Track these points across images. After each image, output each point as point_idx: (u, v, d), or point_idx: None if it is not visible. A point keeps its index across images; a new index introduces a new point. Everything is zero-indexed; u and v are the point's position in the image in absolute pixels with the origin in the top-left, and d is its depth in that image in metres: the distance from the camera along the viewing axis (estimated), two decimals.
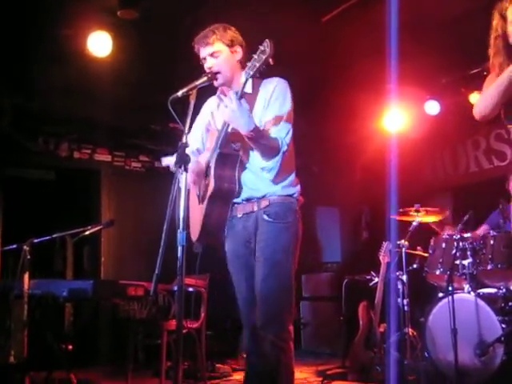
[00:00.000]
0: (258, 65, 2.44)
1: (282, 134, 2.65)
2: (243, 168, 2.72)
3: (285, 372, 2.61)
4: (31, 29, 4.62)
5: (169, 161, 2.74)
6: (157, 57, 5.14)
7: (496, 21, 2.39)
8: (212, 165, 2.67)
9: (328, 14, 4.71)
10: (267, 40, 2.42)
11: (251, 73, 2.48)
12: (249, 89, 2.78)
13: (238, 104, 2.49)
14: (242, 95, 2.56)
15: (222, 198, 2.68)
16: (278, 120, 2.67)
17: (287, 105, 2.72)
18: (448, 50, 5.08)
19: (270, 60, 2.41)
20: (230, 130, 2.64)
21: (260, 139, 2.56)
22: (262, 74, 2.65)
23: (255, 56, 2.46)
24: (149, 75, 5.39)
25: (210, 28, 2.77)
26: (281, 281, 2.63)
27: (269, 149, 2.61)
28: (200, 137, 2.98)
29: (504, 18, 2.37)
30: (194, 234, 2.78)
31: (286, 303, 2.66)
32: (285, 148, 2.64)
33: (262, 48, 2.43)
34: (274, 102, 2.71)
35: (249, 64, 2.50)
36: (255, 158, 2.71)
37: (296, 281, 2.72)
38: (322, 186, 6.93)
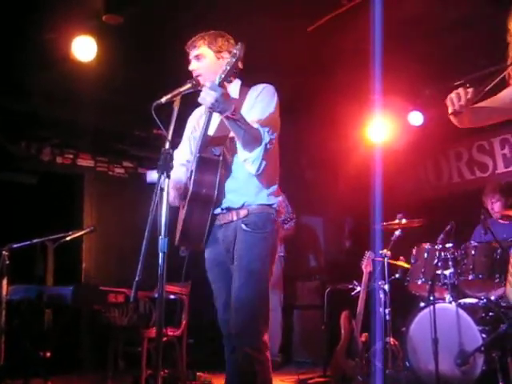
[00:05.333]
0: (229, 68, 2.45)
1: (264, 128, 2.61)
2: (227, 175, 2.70)
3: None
4: (15, 32, 4.58)
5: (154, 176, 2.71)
6: (141, 62, 5.12)
7: None
8: (193, 169, 2.65)
9: (313, 24, 4.74)
10: (240, 43, 2.45)
11: (223, 76, 2.47)
12: (235, 94, 2.79)
13: (212, 86, 2.44)
14: (219, 85, 2.49)
15: (200, 203, 2.65)
16: (260, 120, 2.64)
17: (271, 108, 2.69)
18: (432, 61, 5.13)
19: (239, 63, 2.46)
20: (208, 133, 2.61)
21: (240, 122, 2.51)
22: (242, 79, 2.72)
23: (228, 59, 2.49)
24: (133, 81, 5.37)
25: (202, 33, 2.80)
26: (256, 290, 2.61)
27: (249, 135, 2.54)
28: (189, 149, 2.96)
29: None
30: (177, 237, 2.77)
31: (261, 312, 2.63)
32: (267, 140, 2.57)
33: (234, 51, 2.45)
34: (258, 103, 2.70)
35: (223, 67, 2.52)
36: (237, 162, 2.69)
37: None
38: (306, 195, 6.93)
